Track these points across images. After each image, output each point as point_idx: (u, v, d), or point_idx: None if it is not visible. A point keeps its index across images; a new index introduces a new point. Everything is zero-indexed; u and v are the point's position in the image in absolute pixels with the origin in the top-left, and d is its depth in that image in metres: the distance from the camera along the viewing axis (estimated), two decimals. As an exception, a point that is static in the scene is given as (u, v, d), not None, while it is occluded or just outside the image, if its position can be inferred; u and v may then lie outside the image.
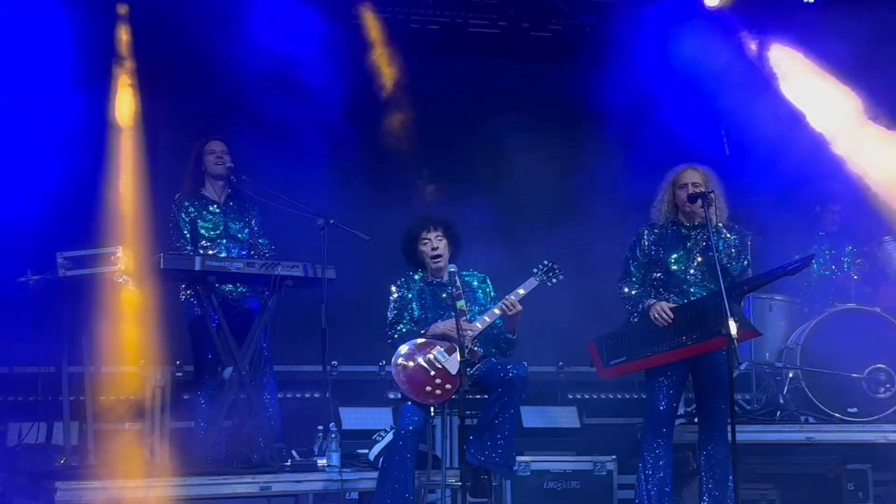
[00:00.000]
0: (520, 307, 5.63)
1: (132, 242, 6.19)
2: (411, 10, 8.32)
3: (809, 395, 6.48)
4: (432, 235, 5.78)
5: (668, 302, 5.60)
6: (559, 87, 8.50)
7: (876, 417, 6.44)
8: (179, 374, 7.52)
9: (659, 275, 5.74)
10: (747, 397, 6.90)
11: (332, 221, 6.03)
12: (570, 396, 8.27)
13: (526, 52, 8.66)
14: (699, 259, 5.68)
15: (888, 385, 6.49)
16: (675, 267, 5.70)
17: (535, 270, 5.80)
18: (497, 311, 5.63)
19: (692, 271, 5.68)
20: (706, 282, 5.66)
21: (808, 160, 7.72)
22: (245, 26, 7.57)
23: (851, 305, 6.74)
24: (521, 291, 5.69)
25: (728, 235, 5.64)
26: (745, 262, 5.66)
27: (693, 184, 5.67)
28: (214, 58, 7.76)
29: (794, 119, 7.94)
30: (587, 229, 7.72)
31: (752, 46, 8.03)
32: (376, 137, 8.21)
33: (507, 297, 5.64)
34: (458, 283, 5.64)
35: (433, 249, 5.75)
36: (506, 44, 8.59)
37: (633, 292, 5.75)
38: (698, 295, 5.64)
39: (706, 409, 5.66)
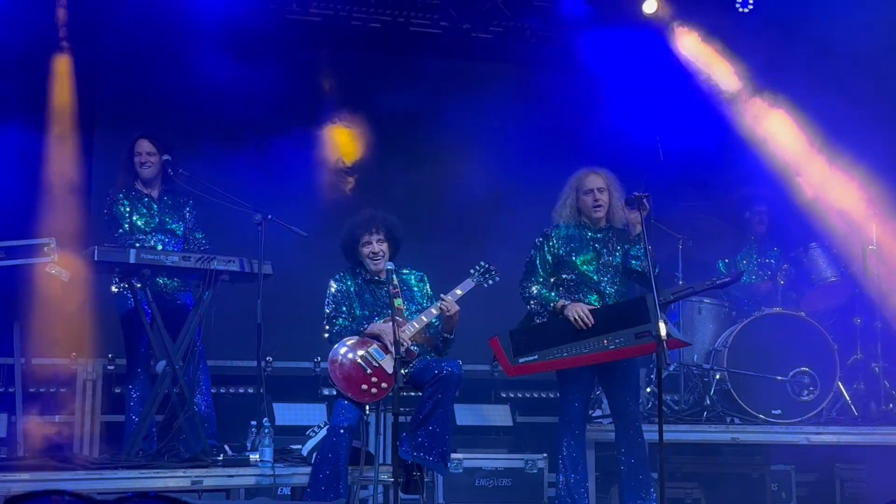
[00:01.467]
0: (457, 307, 5.68)
1: (66, 234, 6.13)
2: (353, 8, 8.33)
3: (735, 396, 6.62)
4: (374, 239, 5.79)
5: (584, 303, 5.65)
6: (499, 88, 8.57)
7: (799, 419, 6.59)
8: (111, 367, 7.46)
9: (568, 276, 5.78)
10: (675, 398, 7.03)
11: (269, 217, 6.04)
12: (504, 395, 8.37)
13: (467, 52, 8.72)
14: (610, 262, 5.76)
15: (812, 388, 6.65)
16: (584, 268, 5.76)
17: (471, 271, 5.85)
18: (434, 311, 5.67)
19: (602, 273, 5.76)
20: (618, 284, 5.76)
21: (736, 163, 7.92)
22: (183, 19, 7.53)
23: (778, 309, 6.89)
24: (459, 292, 5.73)
25: (637, 239, 5.71)
26: (658, 271, 5.74)
27: (598, 189, 5.76)
28: (153, 49, 7.71)
29: (725, 124, 8.14)
30: (522, 230, 7.79)
31: (684, 51, 8.20)
32: (315, 134, 8.22)
33: (443, 297, 5.68)
34: (396, 282, 5.69)
35: (373, 253, 5.78)
36: (447, 44, 8.64)
37: (543, 292, 5.75)
38: (613, 297, 5.73)
39: (619, 409, 5.75)
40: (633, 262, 5.71)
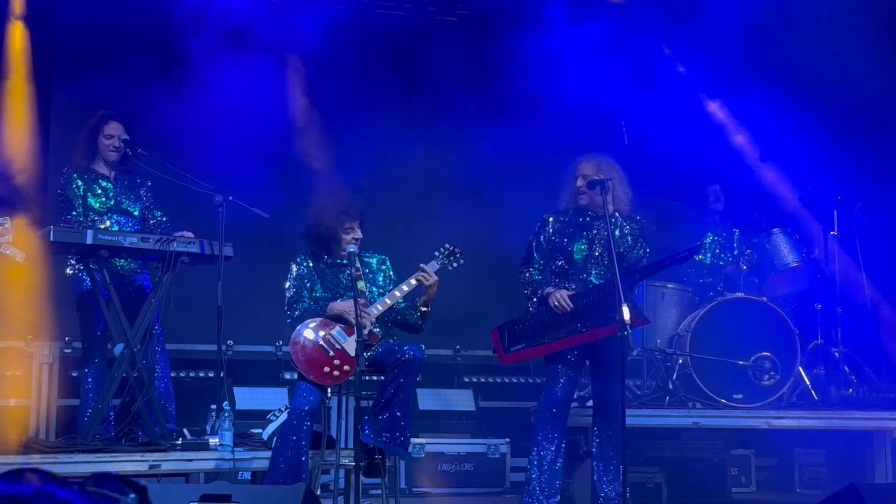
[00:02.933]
0: (436, 278, 5.65)
1: (21, 213, 5.99)
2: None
3: (697, 381, 6.65)
4: (356, 224, 5.75)
5: (567, 290, 5.67)
6: (464, 72, 8.52)
7: (760, 404, 6.64)
8: (68, 350, 7.35)
9: (561, 262, 5.80)
10: (638, 383, 7.05)
11: (230, 198, 5.95)
12: (467, 380, 8.35)
13: (432, 36, 8.65)
14: (600, 248, 5.75)
15: (773, 373, 6.69)
16: (577, 256, 5.77)
17: (436, 254, 5.81)
18: (413, 282, 5.64)
19: (593, 260, 5.76)
20: (605, 271, 5.73)
21: (702, 151, 7.94)
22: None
23: (740, 295, 6.93)
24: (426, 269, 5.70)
25: (625, 224, 5.72)
26: (642, 252, 5.75)
27: (583, 176, 5.74)
28: (114, 24, 7.56)
29: (691, 110, 8.16)
30: (488, 213, 7.77)
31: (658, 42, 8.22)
32: (279, 116, 8.11)
33: (422, 266, 5.64)
34: (358, 264, 5.64)
35: (356, 239, 5.72)
36: (412, 27, 8.58)
37: (535, 278, 5.80)
38: (597, 282, 5.72)
39: (601, 395, 5.75)
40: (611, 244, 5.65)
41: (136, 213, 6.10)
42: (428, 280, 5.63)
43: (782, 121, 7.77)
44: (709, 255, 7.50)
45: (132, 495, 2.00)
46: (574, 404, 6.41)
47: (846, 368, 7.19)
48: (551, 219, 5.85)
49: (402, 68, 8.40)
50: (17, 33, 7.36)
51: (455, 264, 5.83)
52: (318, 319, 5.59)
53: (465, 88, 8.43)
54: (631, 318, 5.23)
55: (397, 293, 5.65)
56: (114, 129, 6.03)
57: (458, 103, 8.42)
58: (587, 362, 5.86)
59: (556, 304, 5.62)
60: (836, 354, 7.15)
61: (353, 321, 5.39)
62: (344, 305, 5.58)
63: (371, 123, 8.32)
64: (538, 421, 5.77)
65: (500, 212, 7.58)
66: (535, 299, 5.79)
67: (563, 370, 5.72)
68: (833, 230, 7.20)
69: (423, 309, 5.74)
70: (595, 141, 6.75)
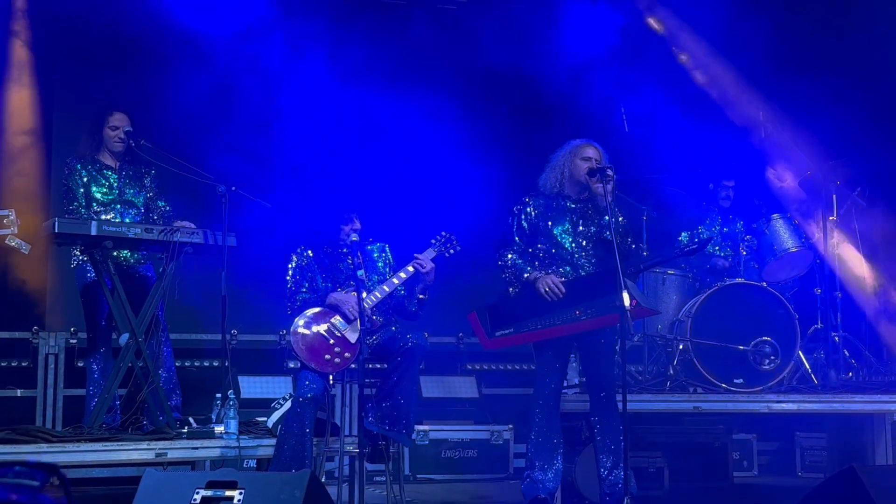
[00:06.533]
0: (433, 265, 5.68)
1: (25, 205, 6.04)
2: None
3: (698, 366, 6.67)
4: (355, 215, 5.81)
5: (556, 275, 5.58)
6: (458, 58, 8.55)
7: (761, 388, 6.66)
8: (73, 340, 7.41)
9: (543, 246, 5.69)
10: (639, 368, 7.08)
11: (233, 188, 5.98)
12: (470, 367, 8.41)
13: (432, 21, 8.66)
14: (586, 233, 5.69)
15: (773, 357, 6.71)
16: (560, 239, 5.68)
17: (432, 241, 5.84)
18: (403, 275, 5.68)
19: (579, 245, 5.68)
20: (593, 256, 5.68)
21: (704, 137, 7.95)
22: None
23: (740, 280, 6.95)
24: (421, 258, 5.74)
25: (619, 214, 5.71)
26: (631, 240, 5.76)
27: (595, 160, 5.69)
28: (115, 16, 7.59)
29: (693, 95, 8.18)
30: (492, 199, 7.78)
31: (653, 24, 8.22)
32: (275, 101, 8.12)
33: (417, 256, 5.68)
34: (359, 253, 5.69)
35: (354, 230, 5.77)
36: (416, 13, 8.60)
37: (517, 262, 5.65)
38: (587, 268, 5.66)
39: (594, 379, 5.72)
40: (607, 233, 5.63)
41: (139, 203, 6.14)
42: (424, 268, 5.66)
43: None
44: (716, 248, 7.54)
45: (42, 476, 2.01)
46: (576, 390, 6.46)
47: (846, 352, 7.22)
48: (531, 201, 5.74)
49: (409, 55, 8.43)
50: (19, 27, 7.40)
51: (451, 251, 5.85)
52: (318, 308, 5.63)
53: (468, 72, 8.47)
54: (636, 309, 5.23)
55: (395, 281, 5.69)
56: (119, 119, 6.06)
57: (460, 85, 8.45)
58: (576, 348, 5.87)
59: (547, 289, 5.50)
60: (836, 339, 7.17)
61: (352, 310, 5.45)
62: (343, 295, 5.63)
63: (372, 107, 8.34)
64: (532, 409, 5.68)
65: (503, 197, 7.63)
66: (518, 284, 5.65)
67: (553, 356, 5.67)
68: (832, 215, 7.22)
69: (421, 296, 5.77)
70: (594, 126, 6.77)
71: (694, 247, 6.15)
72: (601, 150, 5.77)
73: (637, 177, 7.18)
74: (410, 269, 5.68)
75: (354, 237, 5.62)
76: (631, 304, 5.22)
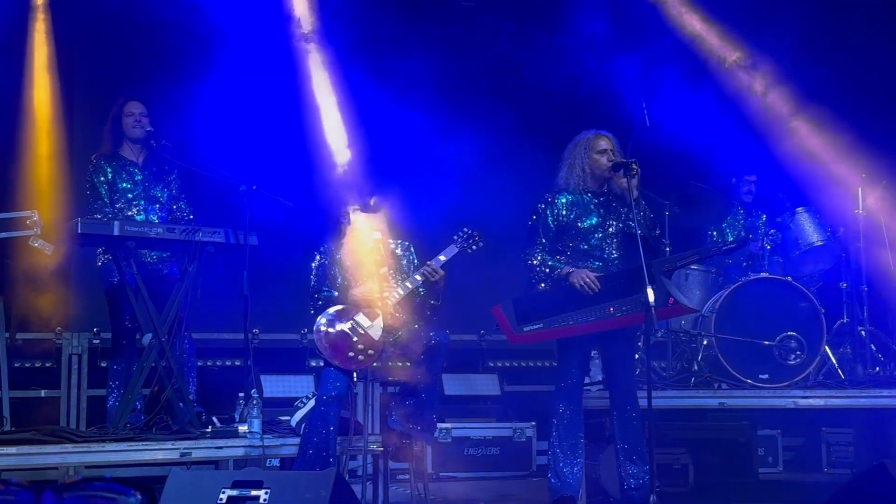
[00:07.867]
0: (442, 273, 5.66)
1: (49, 206, 6.06)
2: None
3: (723, 361, 6.62)
4: (379, 214, 5.82)
5: (588, 269, 5.51)
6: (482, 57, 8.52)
7: (786, 383, 6.61)
8: (97, 341, 7.43)
9: (573, 243, 5.62)
10: (663, 364, 7.04)
11: (254, 187, 5.98)
12: (492, 364, 8.38)
13: (448, 20, 8.63)
14: (613, 227, 5.62)
15: (798, 352, 6.65)
16: (589, 235, 5.60)
17: (455, 237, 5.82)
18: (419, 278, 5.66)
19: (608, 240, 5.61)
20: (624, 251, 5.61)
21: (725, 132, 7.88)
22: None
23: (764, 275, 6.89)
24: (442, 258, 5.72)
25: (645, 207, 5.68)
26: (657, 234, 5.73)
27: (611, 151, 5.62)
28: (135, 14, 7.59)
29: (711, 89, 8.10)
30: (507, 197, 7.75)
31: (674, 16, 8.13)
32: (302, 101, 8.10)
33: (428, 262, 5.67)
34: (382, 251, 5.68)
35: (377, 228, 5.78)
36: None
37: (548, 261, 5.57)
38: (616, 263, 5.60)
39: (616, 376, 5.67)
40: (633, 226, 5.55)
41: (163, 199, 6.18)
42: (433, 277, 5.63)
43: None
44: (732, 236, 7.48)
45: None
46: (598, 387, 6.42)
47: (873, 347, 7.14)
48: (558, 198, 5.64)
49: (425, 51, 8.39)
50: (40, 25, 7.41)
51: (474, 247, 5.83)
52: (341, 307, 5.63)
53: (483, 72, 8.43)
54: (674, 307, 5.16)
55: (409, 284, 5.67)
56: (134, 106, 6.17)
57: (479, 84, 8.41)
58: (597, 345, 5.80)
59: (582, 283, 5.41)
60: (863, 333, 7.09)
61: (376, 308, 5.44)
62: (366, 293, 5.61)
63: (394, 103, 8.31)
64: (554, 405, 5.61)
65: (526, 194, 7.59)
66: (548, 280, 5.53)
67: (579, 351, 5.62)
68: (858, 209, 7.14)
69: (433, 302, 5.75)
70: (613, 121, 6.70)
71: (733, 245, 6.11)
72: (613, 138, 5.70)
73: (658, 171, 7.12)
74: (418, 277, 5.66)
75: (378, 235, 5.60)
76: (669, 303, 5.17)
